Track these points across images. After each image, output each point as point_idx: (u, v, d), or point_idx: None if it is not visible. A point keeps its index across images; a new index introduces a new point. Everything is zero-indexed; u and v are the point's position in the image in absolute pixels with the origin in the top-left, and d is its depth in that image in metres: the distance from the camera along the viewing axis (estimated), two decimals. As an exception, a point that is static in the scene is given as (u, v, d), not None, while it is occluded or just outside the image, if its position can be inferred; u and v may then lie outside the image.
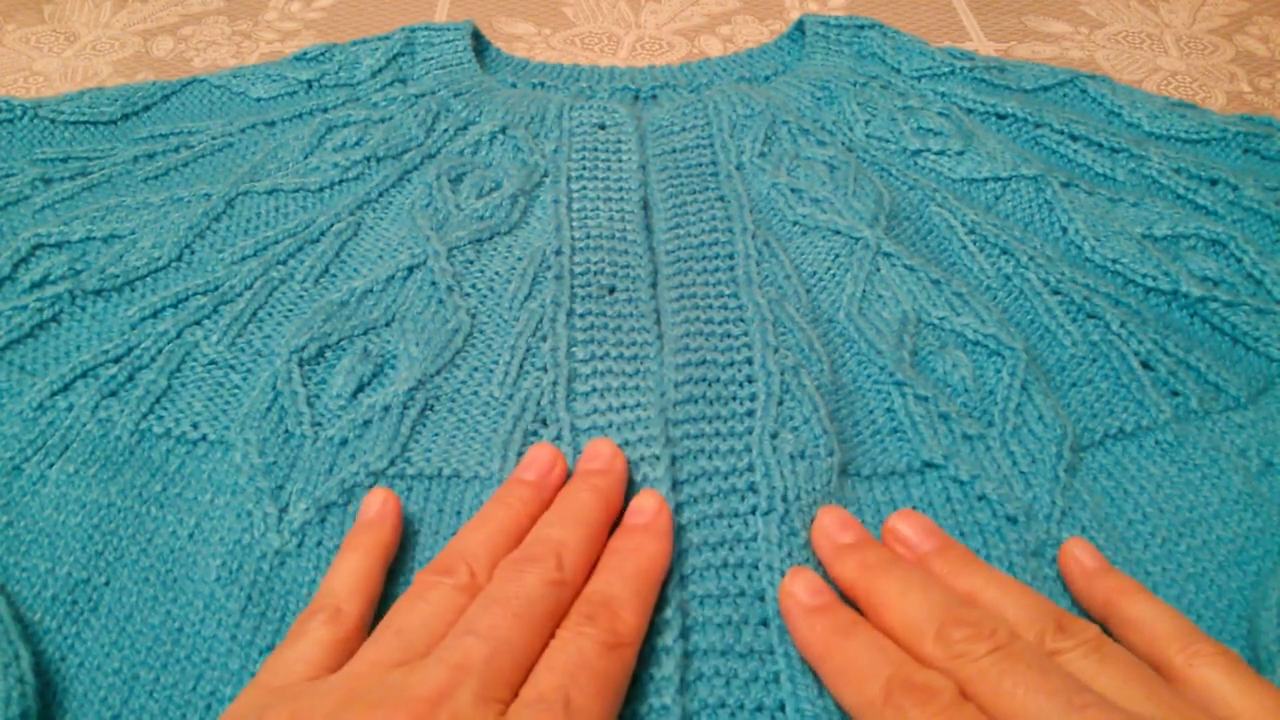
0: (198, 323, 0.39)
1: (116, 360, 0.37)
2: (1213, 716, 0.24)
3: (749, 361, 0.37)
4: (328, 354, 0.38)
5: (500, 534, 0.30)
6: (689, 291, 0.40)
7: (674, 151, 0.49)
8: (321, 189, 0.46)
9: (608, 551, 0.30)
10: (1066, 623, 0.27)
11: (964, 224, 0.44)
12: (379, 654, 0.26)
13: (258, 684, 0.26)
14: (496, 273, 0.42)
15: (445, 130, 0.50)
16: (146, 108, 0.51)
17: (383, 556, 0.30)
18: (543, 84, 0.57)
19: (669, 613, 0.29)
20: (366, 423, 0.36)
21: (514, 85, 0.57)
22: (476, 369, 0.38)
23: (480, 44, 0.58)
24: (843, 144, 0.49)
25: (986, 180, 0.46)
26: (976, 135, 0.48)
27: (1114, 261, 0.41)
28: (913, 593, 0.28)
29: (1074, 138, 0.48)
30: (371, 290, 0.41)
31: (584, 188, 0.46)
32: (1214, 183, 0.45)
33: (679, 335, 0.38)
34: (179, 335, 0.38)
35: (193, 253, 0.42)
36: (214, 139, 0.49)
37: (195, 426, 0.35)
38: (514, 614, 0.26)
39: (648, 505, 0.31)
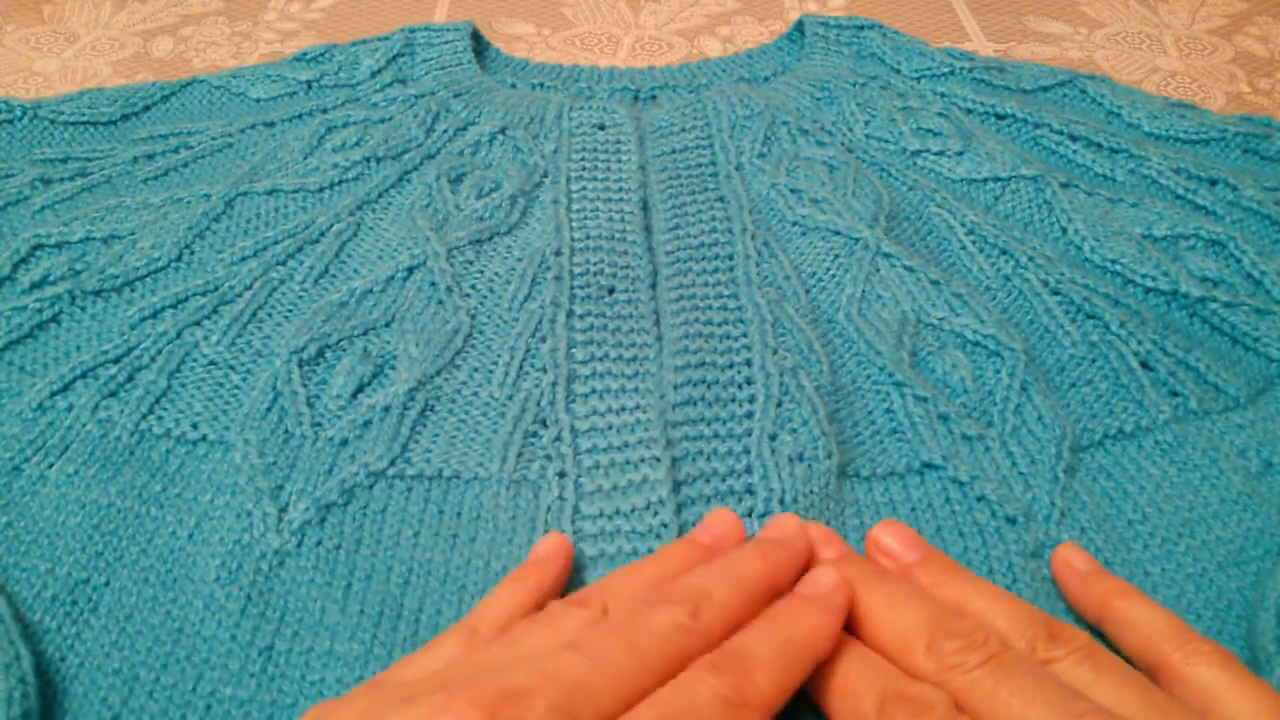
0: (197, 323, 0.39)
1: (116, 360, 0.37)
2: (1210, 718, 0.24)
3: (748, 363, 0.37)
4: (328, 354, 0.38)
5: (650, 582, 0.28)
6: (688, 292, 0.40)
7: (673, 152, 0.49)
8: (321, 189, 0.46)
9: (763, 615, 0.27)
10: (1057, 630, 0.27)
11: (963, 224, 0.44)
12: (485, 657, 0.25)
13: (374, 679, 0.26)
14: (496, 273, 0.42)
15: (445, 131, 0.50)
16: (146, 108, 0.51)
17: (539, 595, 0.29)
18: (542, 84, 0.57)
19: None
20: (366, 423, 0.36)
21: (514, 86, 0.57)
22: (476, 370, 0.38)
23: (480, 44, 0.58)
24: (842, 144, 0.49)
25: (986, 181, 0.46)
26: (976, 136, 0.48)
27: (1113, 262, 0.41)
28: (900, 605, 0.27)
29: (1073, 138, 0.48)
30: (371, 291, 0.41)
31: (584, 188, 0.46)
32: (1213, 183, 0.45)
33: (678, 336, 0.38)
34: (179, 336, 0.38)
35: (192, 253, 0.42)
36: (213, 139, 0.49)
37: (195, 427, 0.35)
38: (628, 643, 0.24)
39: (824, 579, 0.28)
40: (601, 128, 0.50)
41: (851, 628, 0.28)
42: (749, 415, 0.35)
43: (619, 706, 0.23)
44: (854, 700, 0.25)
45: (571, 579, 0.31)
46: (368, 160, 0.47)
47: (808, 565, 0.29)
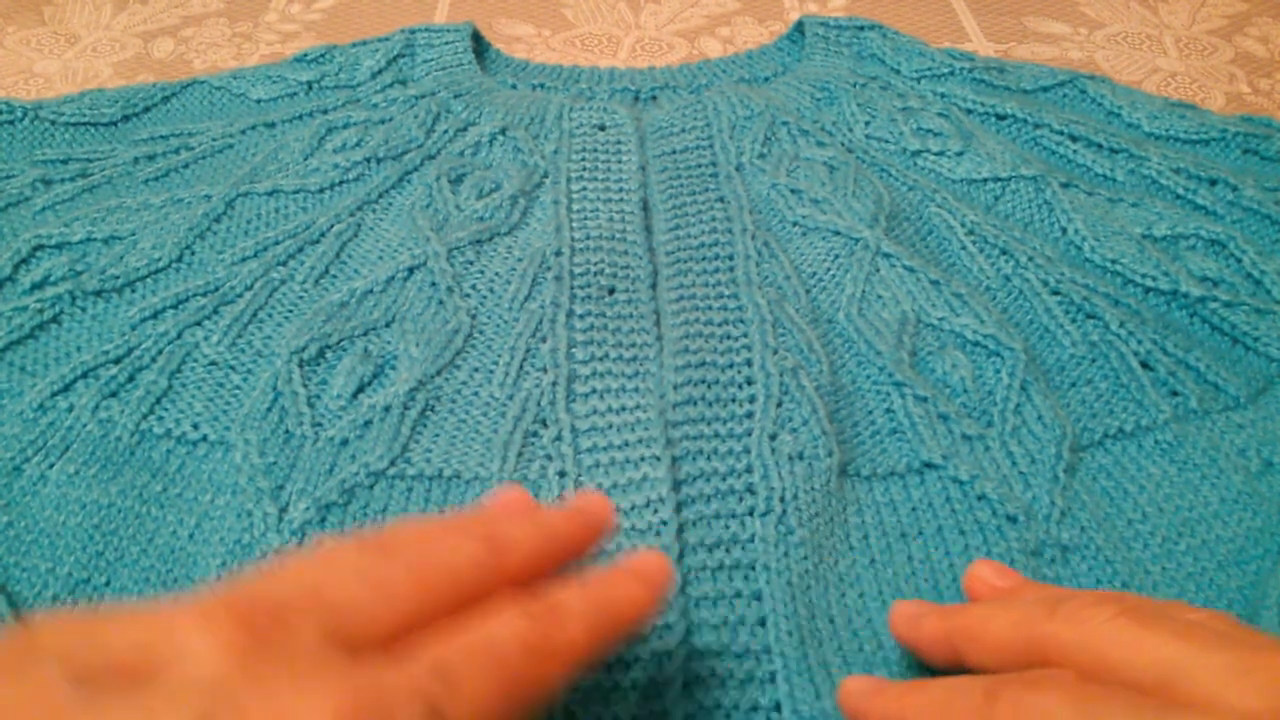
0: (198, 323, 0.39)
1: (117, 361, 0.37)
2: None
3: (748, 363, 0.37)
4: (328, 354, 0.38)
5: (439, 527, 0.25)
6: (689, 292, 0.40)
7: (674, 152, 0.49)
8: (322, 190, 0.46)
9: (580, 577, 0.25)
10: None
11: (963, 224, 0.44)
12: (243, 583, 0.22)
13: None
14: (496, 273, 0.42)
15: (445, 131, 0.50)
16: (147, 109, 0.51)
17: None
18: (542, 85, 0.57)
19: (673, 617, 0.29)
20: (367, 423, 0.36)
21: (514, 86, 0.57)
22: (476, 370, 0.38)
23: (480, 45, 0.58)
24: (842, 145, 0.49)
25: (986, 181, 0.46)
26: (976, 136, 0.48)
27: (1113, 262, 0.41)
28: (1016, 601, 0.26)
29: (1073, 138, 0.48)
30: (372, 291, 0.41)
31: (584, 189, 0.46)
32: (1213, 183, 0.45)
33: (678, 336, 0.38)
34: (179, 336, 0.38)
35: (193, 254, 0.42)
36: (214, 140, 0.49)
37: (195, 427, 0.36)
38: (406, 564, 0.21)
39: (651, 558, 0.26)
40: (602, 128, 0.50)
41: (963, 647, 0.26)
42: (749, 415, 0.35)
43: (397, 632, 0.20)
44: (958, 695, 0.23)
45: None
46: (368, 161, 0.47)
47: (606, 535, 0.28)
